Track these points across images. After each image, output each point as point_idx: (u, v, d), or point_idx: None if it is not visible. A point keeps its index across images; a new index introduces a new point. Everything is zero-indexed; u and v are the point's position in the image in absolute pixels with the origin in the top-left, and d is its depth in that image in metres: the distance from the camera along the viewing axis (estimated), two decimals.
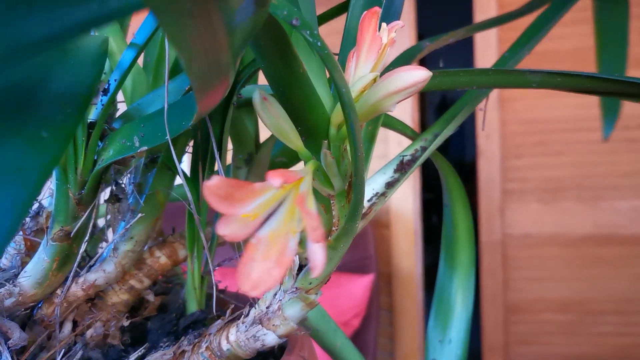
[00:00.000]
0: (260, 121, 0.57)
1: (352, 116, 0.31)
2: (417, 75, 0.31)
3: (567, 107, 2.28)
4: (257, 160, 0.55)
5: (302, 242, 0.31)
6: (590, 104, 2.23)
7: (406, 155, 0.49)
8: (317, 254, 0.30)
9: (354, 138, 0.32)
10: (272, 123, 0.32)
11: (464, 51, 2.39)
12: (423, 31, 2.45)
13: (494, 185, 2.36)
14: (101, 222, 0.61)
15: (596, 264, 2.32)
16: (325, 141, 0.36)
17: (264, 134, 0.57)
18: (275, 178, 0.27)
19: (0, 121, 0.22)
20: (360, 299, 1.78)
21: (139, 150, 0.37)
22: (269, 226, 0.31)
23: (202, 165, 0.47)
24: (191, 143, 0.50)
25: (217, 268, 0.49)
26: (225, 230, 0.29)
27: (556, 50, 2.24)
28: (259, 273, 0.29)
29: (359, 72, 0.35)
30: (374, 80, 0.34)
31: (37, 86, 0.24)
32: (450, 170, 0.55)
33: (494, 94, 2.30)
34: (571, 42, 2.22)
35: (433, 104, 3.65)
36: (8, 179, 0.20)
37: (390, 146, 2.29)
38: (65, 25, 0.18)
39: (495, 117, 2.31)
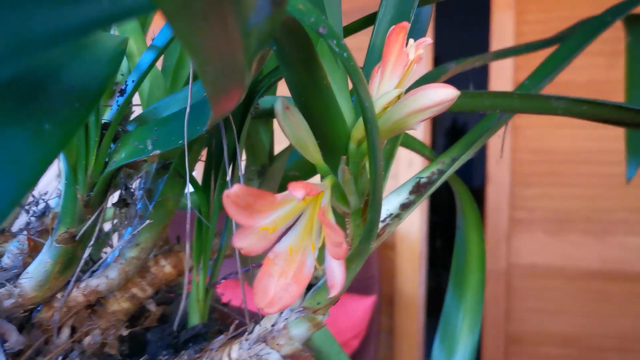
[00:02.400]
0: (275, 134, 0.56)
1: (374, 132, 0.29)
2: (444, 93, 0.30)
3: (579, 139, 2.27)
4: (270, 173, 0.54)
5: (319, 258, 0.30)
6: (602, 137, 2.22)
7: (423, 178, 0.47)
8: (337, 271, 0.29)
9: (375, 155, 0.31)
10: (292, 133, 0.31)
11: (479, 76, 2.38)
12: (440, 55, 2.45)
13: (501, 213, 2.34)
14: (107, 227, 0.60)
15: (601, 299, 2.29)
16: (344, 157, 0.35)
17: (278, 147, 0.56)
18: (298, 190, 0.26)
19: (2, 111, 0.21)
20: (360, 320, 1.76)
21: (151, 154, 0.36)
22: (286, 241, 0.30)
23: (215, 175, 0.46)
24: (204, 152, 0.49)
25: (221, 281, 0.48)
26: (242, 242, 0.28)
27: (570, 82, 2.23)
28: (277, 289, 0.28)
29: (383, 88, 0.34)
30: (399, 96, 0.33)
31: (48, 78, 0.23)
32: (467, 194, 0.54)
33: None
34: (586, 74, 2.22)
35: (443, 126, 3.65)
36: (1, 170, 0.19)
37: (400, 166, 2.27)
38: (72, 23, 0.17)
39: (506, 144, 2.30)
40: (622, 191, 2.24)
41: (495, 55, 0.60)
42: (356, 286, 1.86)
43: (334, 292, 0.29)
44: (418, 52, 0.34)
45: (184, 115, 0.35)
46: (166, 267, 0.50)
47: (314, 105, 0.32)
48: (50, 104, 0.22)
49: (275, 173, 0.55)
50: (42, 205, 0.53)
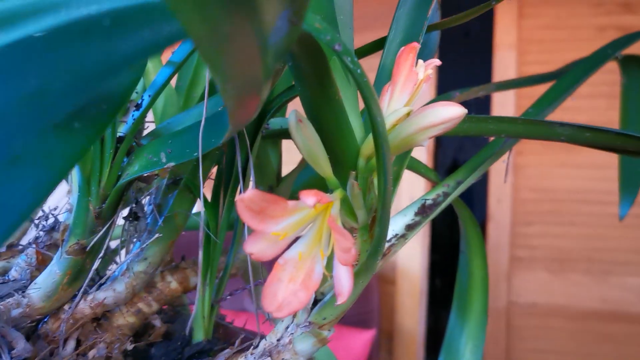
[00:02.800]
0: (283, 155, 0.57)
1: (384, 147, 0.31)
2: (452, 111, 0.31)
3: (581, 178, 2.28)
4: (277, 194, 0.55)
5: (328, 266, 0.31)
6: (604, 177, 2.23)
7: (428, 200, 0.48)
8: (345, 279, 0.29)
9: (384, 170, 0.32)
10: (304, 146, 0.32)
11: (481, 106, 2.41)
12: (443, 84, 2.48)
13: (502, 251, 2.33)
14: (113, 245, 0.60)
15: (601, 340, 2.26)
16: (353, 172, 0.36)
17: (285, 169, 0.57)
18: (309, 197, 0.27)
19: (32, 109, 0.22)
20: (359, 354, 1.74)
21: (165, 166, 0.37)
22: (296, 248, 0.31)
23: (224, 192, 0.47)
24: (214, 170, 0.50)
25: (228, 297, 0.48)
26: (253, 247, 0.29)
27: (569, 121, 2.25)
28: (285, 294, 0.29)
29: (393, 106, 0.35)
30: (407, 114, 0.34)
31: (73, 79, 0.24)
32: (470, 218, 0.54)
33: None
34: (586, 116, 2.24)
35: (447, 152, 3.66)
36: (34, 162, 0.20)
37: (402, 186, 2.28)
38: (119, 56, 0.18)
39: (507, 183, 2.31)
40: (623, 231, 2.24)
41: (497, 86, 0.62)
42: (356, 320, 1.85)
43: (341, 300, 0.30)
44: (427, 72, 0.35)
45: (198, 128, 0.36)
46: (172, 283, 0.51)
47: (325, 119, 0.33)
48: (80, 105, 0.23)
49: (282, 194, 0.55)
50: (51, 220, 0.54)
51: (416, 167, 0.54)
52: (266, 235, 0.29)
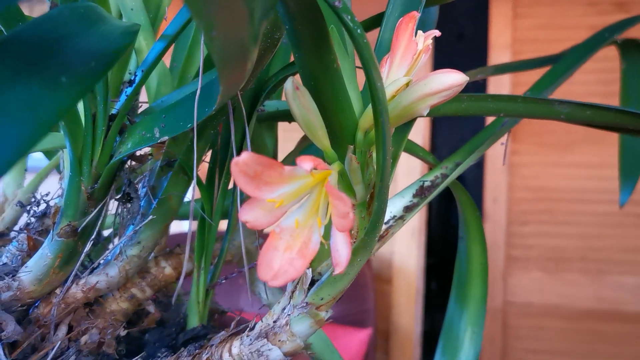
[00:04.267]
0: (279, 140, 0.56)
1: (384, 114, 0.30)
2: (454, 77, 0.30)
3: (575, 178, 2.28)
4: None
5: (326, 235, 0.30)
6: (599, 176, 2.23)
7: (426, 181, 0.48)
8: (342, 248, 0.29)
9: (383, 139, 0.31)
10: (301, 115, 0.31)
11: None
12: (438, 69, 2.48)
13: (498, 251, 2.33)
14: (106, 233, 0.59)
15: (596, 339, 2.26)
16: (351, 146, 0.35)
17: (281, 154, 0.56)
18: (306, 161, 0.26)
19: (18, 63, 0.21)
20: (355, 354, 1.73)
21: (159, 141, 0.36)
22: (293, 217, 0.30)
23: (219, 174, 0.46)
24: (209, 154, 0.49)
25: (223, 281, 0.47)
26: (249, 215, 0.28)
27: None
28: (282, 263, 0.28)
29: (392, 76, 0.34)
30: (407, 84, 0.33)
31: (63, 40, 0.23)
32: (469, 202, 0.54)
33: (502, 159, 2.30)
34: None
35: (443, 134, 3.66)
36: (17, 114, 0.20)
37: (398, 173, 2.27)
38: None
39: (503, 182, 2.31)
40: (618, 230, 2.24)
41: (495, 69, 0.61)
42: (352, 319, 1.83)
43: (338, 270, 0.29)
44: (427, 42, 0.34)
45: (192, 100, 0.35)
46: (166, 269, 0.50)
47: (323, 89, 0.32)
48: (67, 60, 0.23)
49: None
50: (43, 207, 0.53)
51: (414, 149, 0.53)
52: (261, 202, 0.28)
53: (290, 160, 0.55)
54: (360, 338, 1.76)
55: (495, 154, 2.33)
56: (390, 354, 2.30)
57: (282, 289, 0.54)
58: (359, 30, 0.27)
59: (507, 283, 2.33)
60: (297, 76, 0.32)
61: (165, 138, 0.36)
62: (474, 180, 2.46)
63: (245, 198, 0.46)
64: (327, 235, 0.30)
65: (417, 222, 2.33)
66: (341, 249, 0.28)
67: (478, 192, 2.63)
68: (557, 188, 2.30)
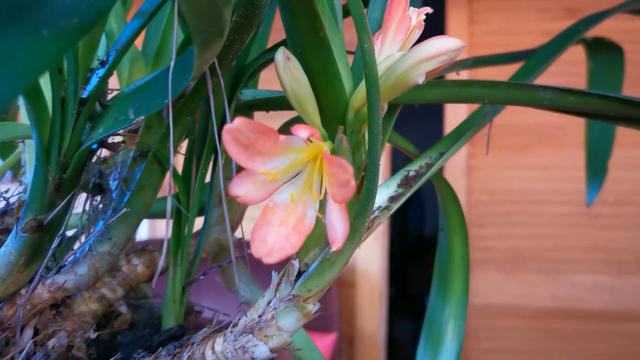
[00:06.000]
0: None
1: (374, 83, 0.28)
2: (449, 42, 0.29)
3: (531, 180, 2.33)
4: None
5: (321, 210, 0.28)
6: (553, 178, 2.29)
7: (411, 171, 0.46)
8: (339, 223, 0.27)
9: (374, 111, 0.29)
10: (292, 88, 0.29)
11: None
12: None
13: None
14: (70, 235, 0.56)
15: (554, 337, 2.31)
16: (342, 127, 0.33)
17: None
18: (302, 129, 0.25)
19: None
20: None
21: (134, 122, 0.34)
22: (287, 191, 0.28)
23: (196, 164, 0.44)
24: (184, 144, 0.47)
25: (202, 277, 0.45)
26: (240, 189, 0.26)
27: (519, 124, 2.31)
28: (277, 238, 0.26)
29: (385, 52, 0.33)
30: None
31: None
32: (450, 192, 0.53)
33: (461, 162, 2.33)
34: (534, 117, 2.29)
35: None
36: None
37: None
38: None
39: (462, 185, 2.33)
40: (572, 230, 2.30)
41: (474, 62, 0.61)
42: (316, 324, 1.82)
43: (335, 247, 0.27)
44: (420, 18, 0.33)
45: (166, 77, 0.33)
46: (139, 267, 0.47)
47: (311, 61, 0.31)
48: (49, 15, 0.21)
49: None
50: (2, 204, 0.50)
51: (394, 139, 0.52)
52: (253, 175, 0.26)
53: None
54: (326, 343, 1.75)
55: (454, 158, 2.36)
56: (355, 358, 2.29)
57: (261, 286, 0.52)
58: None
59: (469, 285, 2.35)
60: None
61: (141, 118, 0.34)
62: (432, 184, 2.48)
63: (223, 191, 0.44)
64: (322, 211, 0.28)
65: (380, 225, 2.33)
66: (338, 224, 0.27)
67: (435, 195, 2.64)
68: (514, 190, 2.34)
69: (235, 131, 0.24)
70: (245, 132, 0.24)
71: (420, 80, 0.30)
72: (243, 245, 0.46)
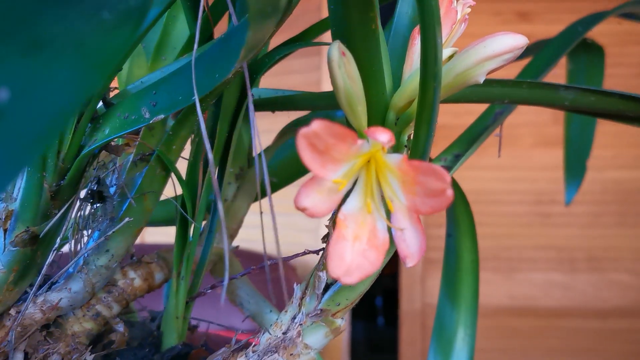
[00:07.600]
0: (255, 132, 0.51)
1: (437, 78, 0.26)
2: (516, 38, 0.27)
3: (487, 180, 2.36)
4: (249, 176, 0.49)
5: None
6: (509, 178, 2.33)
7: None
8: (413, 235, 0.24)
9: (433, 109, 0.27)
10: (344, 87, 0.26)
11: None
12: None
13: None
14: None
15: (511, 335, 2.35)
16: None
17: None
18: (382, 133, 0.22)
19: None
20: None
21: (152, 121, 0.30)
22: (352, 202, 0.25)
23: (203, 167, 0.40)
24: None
25: (209, 291, 0.42)
26: (306, 201, 0.23)
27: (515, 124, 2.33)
28: (354, 255, 0.23)
29: None
30: (451, 57, 0.30)
31: None
32: (461, 197, 0.51)
33: None
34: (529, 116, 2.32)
35: None
36: (63, 51, 0.14)
37: None
38: None
39: None
40: (528, 229, 2.34)
41: None
42: None
43: (411, 263, 0.25)
44: (464, 11, 0.31)
45: (189, 70, 0.29)
46: (136, 280, 0.43)
47: (360, 55, 0.28)
48: None
49: (254, 177, 0.49)
50: None
51: None
52: (319, 185, 0.23)
53: (269, 154, 0.50)
54: None
55: None
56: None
57: (266, 298, 0.48)
58: None
59: (425, 285, 2.37)
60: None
61: (160, 117, 0.30)
62: None
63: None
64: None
65: None
66: (411, 237, 0.24)
67: None
68: (472, 190, 2.34)
69: (312, 136, 0.21)
70: (323, 137, 0.21)
71: (482, 79, 0.27)
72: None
